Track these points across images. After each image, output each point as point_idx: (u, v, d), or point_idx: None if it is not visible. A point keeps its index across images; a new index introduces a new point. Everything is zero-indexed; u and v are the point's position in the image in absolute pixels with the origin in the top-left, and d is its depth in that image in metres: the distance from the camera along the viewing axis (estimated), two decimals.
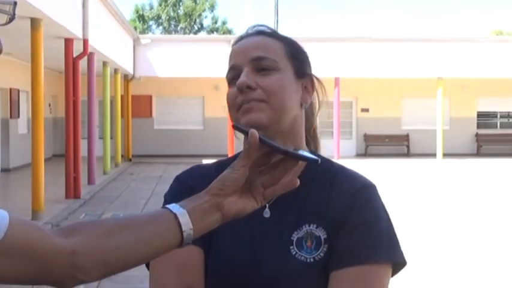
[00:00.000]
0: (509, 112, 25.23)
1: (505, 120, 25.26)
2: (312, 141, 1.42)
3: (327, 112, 23.49)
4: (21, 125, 17.89)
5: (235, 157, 1.37)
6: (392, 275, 1.26)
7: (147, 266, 1.31)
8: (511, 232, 9.12)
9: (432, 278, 6.53)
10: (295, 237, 1.25)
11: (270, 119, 1.23)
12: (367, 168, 19.52)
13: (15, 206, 10.40)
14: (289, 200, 1.27)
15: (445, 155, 22.45)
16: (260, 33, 1.32)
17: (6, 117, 16.97)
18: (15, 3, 1.04)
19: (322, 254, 1.23)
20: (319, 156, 1.35)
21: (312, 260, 1.23)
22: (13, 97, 17.25)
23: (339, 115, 22.01)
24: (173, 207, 1.04)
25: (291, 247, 1.25)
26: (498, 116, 25.18)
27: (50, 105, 20.55)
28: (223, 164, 1.36)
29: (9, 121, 17.12)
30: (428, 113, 23.89)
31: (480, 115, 24.89)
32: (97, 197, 12.78)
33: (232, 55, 1.30)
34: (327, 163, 1.35)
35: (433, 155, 22.67)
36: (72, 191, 11.70)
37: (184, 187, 1.35)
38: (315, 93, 1.36)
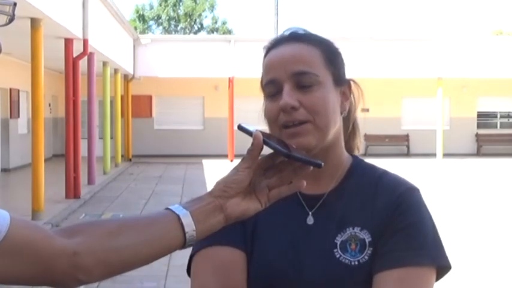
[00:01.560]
0: (509, 112, 25.23)
1: (505, 120, 25.25)
2: (351, 141, 1.39)
3: None
4: (21, 125, 17.88)
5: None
6: (437, 279, 1.25)
7: (188, 270, 1.29)
8: (511, 232, 9.12)
9: None
10: (339, 240, 1.24)
11: (318, 140, 1.20)
12: None
13: (15, 206, 10.39)
14: (332, 206, 1.27)
15: (445, 155, 22.45)
16: (296, 38, 1.27)
17: (6, 117, 16.97)
18: (15, 4, 1.04)
19: (366, 257, 1.22)
20: (361, 161, 1.34)
21: (356, 263, 1.22)
22: (13, 97, 17.25)
23: None
24: (176, 208, 1.04)
25: (335, 250, 1.23)
26: (498, 116, 25.18)
27: (50, 105, 20.54)
28: None
29: (9, 121, 17.12)
30: (428, 113, 23.90)
31: (480, 115, 24.89)
32: (97, 197, 12.78)
33: (270, 67, 1.25)
34: (370, 168, 1.34)
35: (433, 155, 22.67)
36: (72, 191, 11.70)
37: None
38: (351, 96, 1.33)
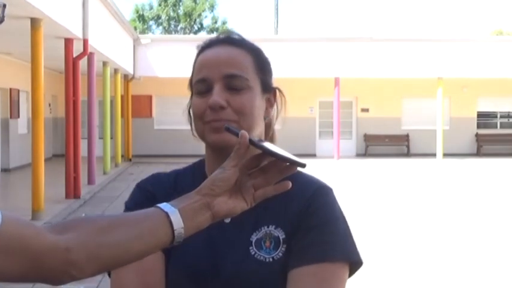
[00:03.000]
0: (509, 112, 25.23)
1: (505, 120, 25.25)
2: None
3: (327, 112, 23.50)
4: (21, 125, 17.88)
5: (193, 167, 1.42)
6: (350, 275, 1.29)
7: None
8: (510, 232, 9.13)
9: (432, 277, 6.53)
10: (254, 238, 1.29)
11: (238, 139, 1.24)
12: (367, 168, 19.52)
13: (15, 206, 10.41)
14: None
15: (445, 155, 22.45)
16: (231, 42, 1.32)
17: (6, 117, 16.97)
18: (4, 5, 1.04)
19: (280, 254, 1.27)
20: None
21: (270, 259, 1.27)
22: (13, 97, 17.25)
23: (339, 115, 22.01)
24: (164, 206, 1.06)
25: (250, 248, 1.28)
26: (498, 116, 25.18)
27: (50, 105, 20.55)
28: (181, 174, 1.42)
29: (9, 121, 17.12)
30: (428, 113, 23.89)
31: (480, 115, 24.88)
32: (97, 197, 12.79)
33: (204, 66, 1.31)
34: None
35: (433, 155, 22.67)
36: (72, 191, 11.70)
37: (146, 194, 1.37)
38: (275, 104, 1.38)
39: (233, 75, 1.27)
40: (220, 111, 1.25)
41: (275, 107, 1.38)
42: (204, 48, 1.35)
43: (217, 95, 1.25)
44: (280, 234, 1.28)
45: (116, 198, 12.64)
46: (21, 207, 9.78)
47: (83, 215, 10.45)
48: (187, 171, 1.43)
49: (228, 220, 1.30)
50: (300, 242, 1.26)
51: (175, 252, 1.30)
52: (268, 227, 1.29)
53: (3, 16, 1.05)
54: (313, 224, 1.27)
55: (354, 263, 1.28)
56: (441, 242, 8.36)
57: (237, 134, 1.10)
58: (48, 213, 9.73)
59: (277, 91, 1.37)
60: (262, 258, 1.27)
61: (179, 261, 1.30)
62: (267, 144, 1.11)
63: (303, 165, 1.09)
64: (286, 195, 1.28)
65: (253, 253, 1.27)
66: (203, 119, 1.27)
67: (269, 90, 1.35)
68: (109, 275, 1.31)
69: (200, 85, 1.29)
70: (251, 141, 1.08)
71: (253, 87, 1.29)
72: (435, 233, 9.03)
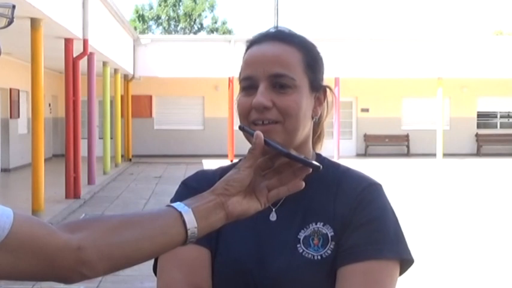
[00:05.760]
0: (509, 112, 25.23)
1: (505, 120, 25.25)
2: (314, 143, 1.40)
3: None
4: (21, 125, 17.88)
5: (238, 163, 1.39)
6: (400, 273, 1.27)
7: (155, 269, 1.31)
8: (511, 232, 9.13)
9: (431, 277, 6.53)
10: (301, 235, 1.26)
11: (284, 141, 1.22)
12: (367, 168, 19.52)
13: (15, 206, 10.33)
14: (295, 202, 1.28)
15: (445, 155, 22.45)
16: (280, 38, 1.28)
17: (6, 117, 16.97)
18: (14, 6, 1.04)
19: (329, 252, 1.24)
20: (324, 158, 1.36)
21: (319, 257, 1.24)
22: (13, 97, 17.25)
23: (339, 115, 22.00)
24: (178, 205, 1.05)
25: (298, 245, 1.26)
26: (498, 116, 25.18)
27: (50, 105, 20.54)
28: (227, 171, 1.37)
29: (9, 121, 17.12)
30: (428, 113, 23.90)
31: (480, 115, 24.89)
32: (97, 197, 12.78)
33: (249, 63, 1.27)
34: (333, 165, 1.36)
35: (433, 155, 22.67)
36: (72, 191, 11.70)
37: (190, 191, 1.33)
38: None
39: (279, 75, 1.23)
40: (265, 112, 1.22)
41: (325, 105, 1.34)
42: (252, 43, 1.30)
43: (262, 95, 1.22)
44: (329, 231, 1.26)
45: (116, 198, 12.64)
46: (21, 207, 9.78)
47: (83, 215, 10.45)
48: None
49: (274, 217, 1.29)
50: (350, 239, 1.24)
51: (222, 249, 1.29)
52: (316, 224, 1.26)
53: (12, 17, 1.06)
54: (364, 221, 1.25)
55: (405, 261, 1.26)
56: (441, 242, 8.36)
57: (252, 134, 1.09)
58: (48, 213, 9.73)
59: (327, 89, 1.33)
60: (310, 256, 1.24)
61: (226, 258, 1.29)
62: (281, 146, 1.10)
63: (318, 168, 1.08)
64: (336, 192, 1.29)
65: (301, 251, 1.25)
66: (248, 119, 1.24)
67: (318, 88, 1.30)
68: (155, 273, 1.31)
69: (246, 82, 1.26)
70: (266, 142, 1.08)
71: (301, 87, 1.25)
72: (435, 233, 9.03)
